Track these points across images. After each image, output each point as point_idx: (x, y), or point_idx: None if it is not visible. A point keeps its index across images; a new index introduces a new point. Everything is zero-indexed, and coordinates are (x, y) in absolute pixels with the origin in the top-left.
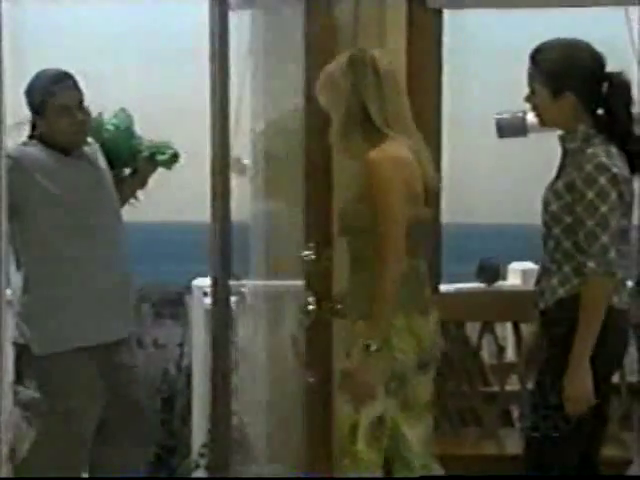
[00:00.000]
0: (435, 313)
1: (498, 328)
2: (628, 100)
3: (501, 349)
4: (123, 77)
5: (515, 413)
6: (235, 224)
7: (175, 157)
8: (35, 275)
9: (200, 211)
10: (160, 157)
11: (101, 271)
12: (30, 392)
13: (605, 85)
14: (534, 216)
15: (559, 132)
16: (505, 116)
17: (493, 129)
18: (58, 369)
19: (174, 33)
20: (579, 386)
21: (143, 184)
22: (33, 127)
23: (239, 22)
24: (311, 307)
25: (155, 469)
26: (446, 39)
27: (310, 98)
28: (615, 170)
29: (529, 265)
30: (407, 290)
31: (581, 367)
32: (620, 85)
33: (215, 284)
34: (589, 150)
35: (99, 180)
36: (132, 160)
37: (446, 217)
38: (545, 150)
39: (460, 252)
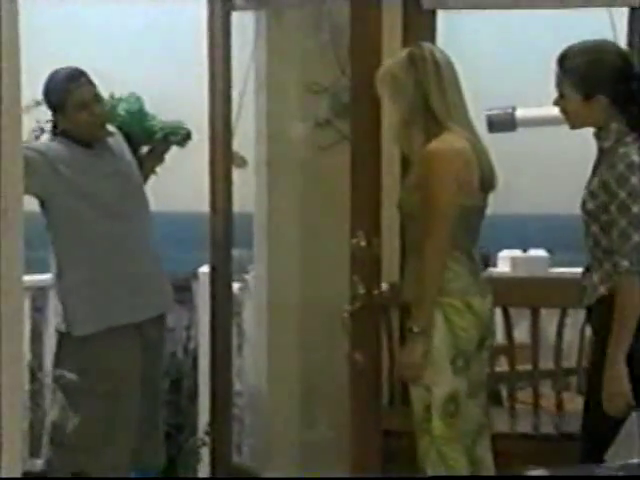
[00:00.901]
0: (491, 296)
1: None
2: None
3: None
4: (125, 75)
5: (504, 393)
6: (236, 214)
7: (188, 136)
8: (66, 261)
9: (205, 202)
10: (173, 138)
11: (129, 253)
12: (71, 376)
13: (635, 83)
14: (521, 207)
15: (564, 128)
16: (495, 112)
17: (484, 124)
18: (98, 349)
19: (176, 31)
20: (616, 385)
21: (161, 160)
22: (54, 125)
23: (239, 22)
24: (360, 292)
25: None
26: (439, 39)
27: (356, 95)
28: None
29: (517, 253)
30: (466, 274)
31: (618, 366)
32: None
33: (214, 271)
34: (621, 149)
35: (122, 169)
36: (148, 140)
37: None
38: (533, 144)
39: None
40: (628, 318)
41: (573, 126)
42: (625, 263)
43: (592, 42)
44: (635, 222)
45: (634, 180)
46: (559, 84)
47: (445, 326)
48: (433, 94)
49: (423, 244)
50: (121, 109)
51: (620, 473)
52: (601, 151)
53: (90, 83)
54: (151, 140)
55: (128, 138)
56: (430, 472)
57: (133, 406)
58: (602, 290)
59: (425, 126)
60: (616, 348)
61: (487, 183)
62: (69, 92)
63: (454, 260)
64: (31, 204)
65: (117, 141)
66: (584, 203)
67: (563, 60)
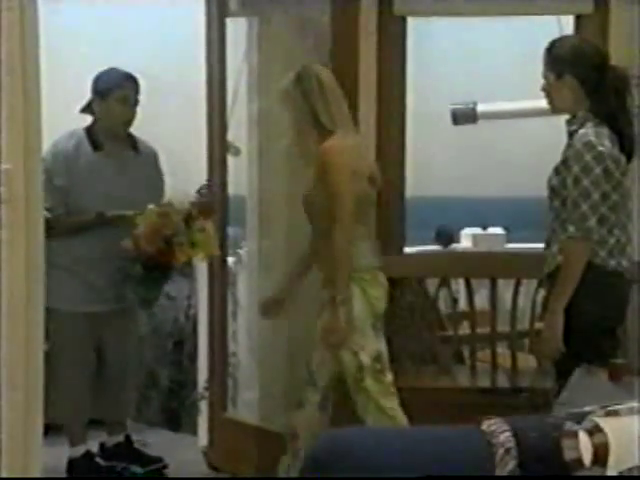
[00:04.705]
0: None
1: (452, 283)
2: (622, 90)
3: (455, 300)
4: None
5: (466, 353)
6: (231, 197)
7: None
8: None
9: None
10: None
11: (103, 255)
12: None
13: (604, 76)
14: (481, 190)
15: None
16: (459, 107)
17: (449, 117)
18: (57, 324)
19: (178, 34)
20: (553, 332)
21: None
22: (88, 106)
23: (233, 27)
24: None
25: (168, 400)
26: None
27: None
28: (601, 148)
29: (478, 231)
30: (369, 250)
31: (556, 315)
32: (616, 76)
33: None
34: (581, 130)
35: (124, 174)
36: None
37: (409, 191)
38: (491, 134)
39: (421, 220)
40: (570, 277)
41: (552, 108)
42: (571, 229)
43: (578, 36)
44: (584, 194)
45: (588, 157)
46: (544, 67)
47: (362, 297)
48: (317, 105)
49: (332, 228)
50: None
51: (567, 421)
52: (570, 135)
53: (137, 88)
54: None
55: None
56: (372, 423)
57: (80, 372)
58: (560, 259)
59: (316, 133)
60: (556, 300)
61: (372, 176)
62: (119, 85)
63: (359, 238)
64: None
65: (146, 155)
66: (549, 180)
67: (550, 45)
